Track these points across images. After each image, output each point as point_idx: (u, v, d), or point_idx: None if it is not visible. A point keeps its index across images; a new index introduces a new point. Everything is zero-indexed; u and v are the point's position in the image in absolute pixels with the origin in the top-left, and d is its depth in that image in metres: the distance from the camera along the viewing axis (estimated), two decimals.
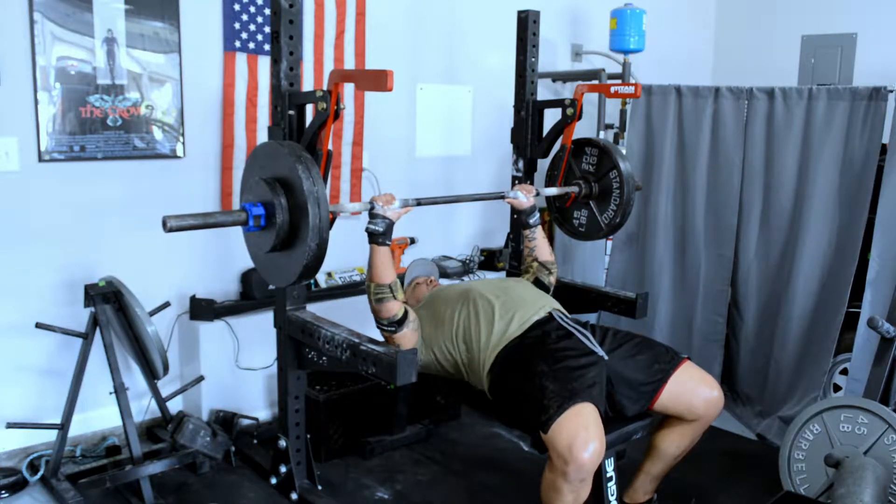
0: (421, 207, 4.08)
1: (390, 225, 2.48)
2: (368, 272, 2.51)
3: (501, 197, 2.95)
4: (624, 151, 3.91)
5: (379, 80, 2.20)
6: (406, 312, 2.54)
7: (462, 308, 2.61)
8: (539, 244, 2.94)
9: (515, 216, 2.99)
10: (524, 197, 2.89)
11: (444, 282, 3.55)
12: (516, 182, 3.36)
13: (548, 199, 3.18)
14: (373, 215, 2.48)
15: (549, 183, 3.22)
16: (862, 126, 3.27)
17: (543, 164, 3.31)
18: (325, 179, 2.47)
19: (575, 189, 3.09)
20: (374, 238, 2.47)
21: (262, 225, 2.18)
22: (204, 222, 2.15)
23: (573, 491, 2.18)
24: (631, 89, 2.90)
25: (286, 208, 2.13)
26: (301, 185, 2.06)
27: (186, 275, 3.34)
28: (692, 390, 2.48)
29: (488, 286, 2.74)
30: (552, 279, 2.94)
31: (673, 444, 2.57)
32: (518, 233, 3.42)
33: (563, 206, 3.21)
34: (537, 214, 2.94)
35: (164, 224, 2.04)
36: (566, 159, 3.15)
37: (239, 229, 3.48)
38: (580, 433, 2.14)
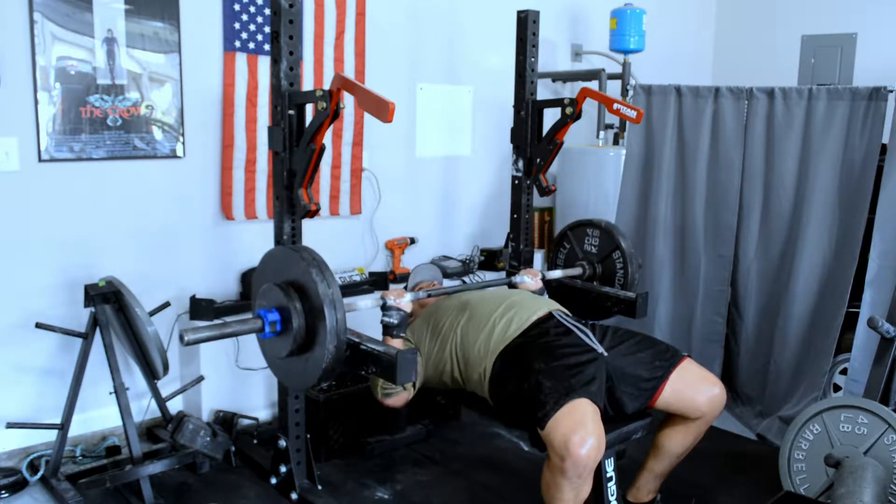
0: (420, 206, 4.14)
1: (405, 317, 2.51)
2: None
3: (509, 283, 3.00)
4: (624, 152, 3.92)
5: (381, 109, 2.21)
6: (414, 385, 2.55)
7: (461, 316, 2.62)
8: None
9: None
10: (530, 280, 2.95)
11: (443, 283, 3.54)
12: (515, 182, 3.36)
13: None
14: (386, 308, 2.50)
15: (550, 265, 3.29)
16: (862, 126, 3.27)
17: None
18: (314, 173, 2.48)
19: (578, 271, 3.12)
20: (389, 330, 2.49)
21: (277, 331, 2.16)
22: (220, 333, 2.15)
23: (573, 488, 2.18)
24: (633, 114, 2.90)
25: (301, 312, 2.10)
26: (316, 288, 2.04)
27: (186, 275, 3.34)
28: (694, 387, 2.49)
29: (487, 295, 2.76)
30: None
31: (677, 442, 2.57)
32: (518, 233, 3.43)
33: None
34: (545, 297, 2.95)
35: (181, 338, 2.04)
36: (554, 154, 3.20)
37: (240, 224, 3.50)
38: (577, 429, 2.14)
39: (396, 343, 2.49)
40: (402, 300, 2.52)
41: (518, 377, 2.37)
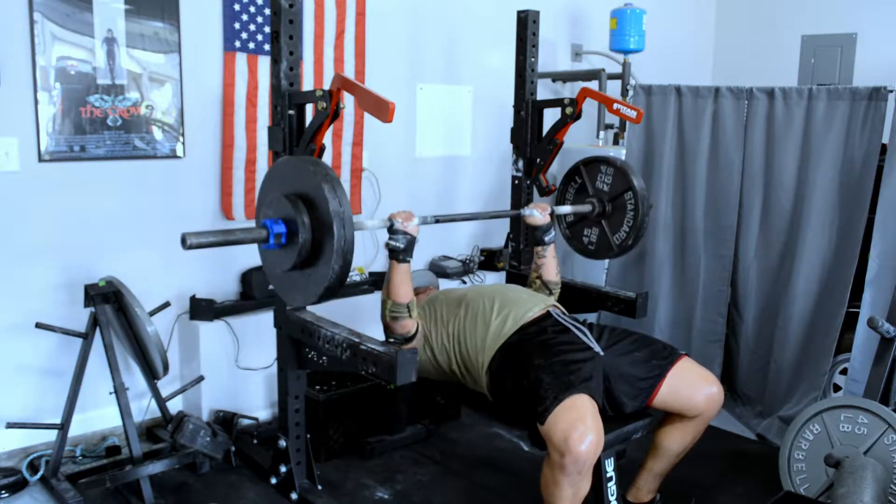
0: (420, 206, 4.10)
1: (411, 241, 2.45)
2: (386, 288, 2.48)
3: (517, 214, 2.95)
4: (623, 152, 3.92)
5: (381, 109, 2.19)
6: (418, 327, 2.54)
7: (459, 311, 2.62)
8: (548, 263, 2.92)
9: (529, 232, 2.98)
10: (539, 214, 2.89)
11: (444, 283, 3.55)
12: (515, 182, 3.36)
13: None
14: (393, 231, 2.44)
15: (559, 198, 3.24)
16: (862, 126, 3.26)
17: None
18: None
19: (587, 208, 3.07)
20: (395, 254, 2.44)
21: (282, 243, 2.11)
22: (224, 239, 2.09)
23: (572, 484, 2.19)
24: (633, 114, 2.88)
25: (309, 227, 2.05)
26: (327, 205, 1.99)
27: (186, 275, 3.34)
28: (691, 386, 2.49)
29: (486, 290, 2.76)
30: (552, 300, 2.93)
31: (675, 441, 2.57)
32: (518, 233, 3.43)
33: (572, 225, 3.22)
34: (552, 233, 2.93)
35: (183, 241, 1.96)
36: (554, 154, 3.19)
37: (240, 224, 3.49)
38: (577, 425, 2.14)
39: (402, 268, 2.44)
40: (410, 224, 2.45)
41: (517, 373, 2.38)
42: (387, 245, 2.45)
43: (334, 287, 2.06)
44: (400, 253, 2.43)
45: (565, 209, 3.08)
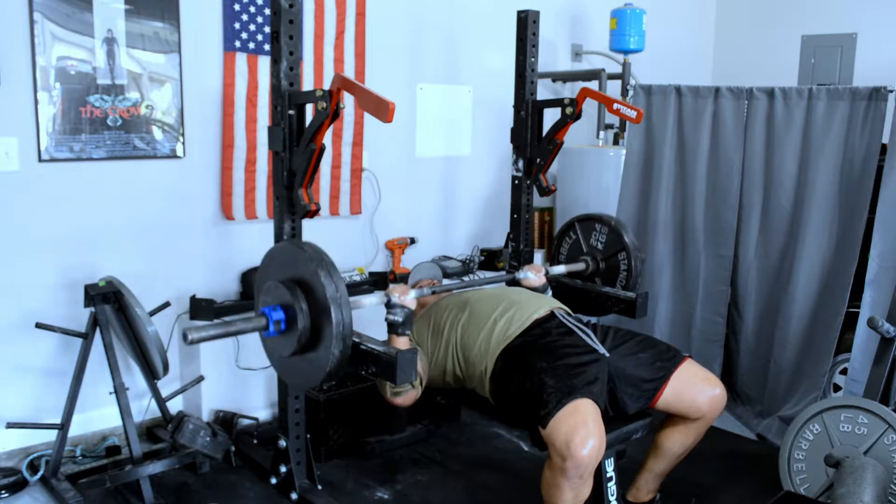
0: (420, 206, 4.14)
1: (409, 314, 2.48)
2: None
3: (513, 278, 2.95)
4: (624, 152, 3.92)
5: (381, 109, 2.20)
6: (420, 380, 2.52)
7: (462, 313, 2.62)
8: None
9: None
10: (534, 276, 2.90)
11: (444, 283, 3.54)
12: (515, 182, 3.36)
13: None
14: (391, 306, 2.47)
15: (553, 253, 3.26)
16: (862, 126, 3.26)
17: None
18: (314, 174, 2.48)
19: (581, 266, 3.08)
20: (394, 328, 2.46)
21: (282, 330, 2.13)
22: (225, 332, 2.11)
23: (573, 488, 2.18)
24: (633, 114, 2.89)
25: (307, 313, 2.07)
26: (324, 291, 2.00)
27: (186, 275, 3.34)
28: (695, 388, 2.49)
29: (487, 293, 2.75)
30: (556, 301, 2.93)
31: (677, 442, 2.57)
32: (518, 233, 3.43)
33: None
34: (549, 293, 2.94)
35: (184, 337, 1.99)
36: (554, 154, 3.20)
37: (240, 224, 3.49)
38: (579, 429, 2.14)
39: (402, 341, 2.47)
40: (407, 297, 2.49)
41: (520, 376, 2.37)
42: (386, 320, 2.48)
43: (335, 371, 2.08)
44: (399, 326, 2.46)
45: (559, 269, 3.09)
